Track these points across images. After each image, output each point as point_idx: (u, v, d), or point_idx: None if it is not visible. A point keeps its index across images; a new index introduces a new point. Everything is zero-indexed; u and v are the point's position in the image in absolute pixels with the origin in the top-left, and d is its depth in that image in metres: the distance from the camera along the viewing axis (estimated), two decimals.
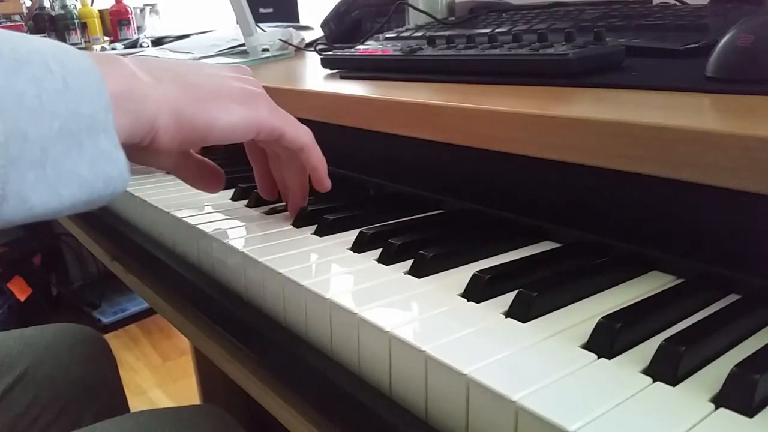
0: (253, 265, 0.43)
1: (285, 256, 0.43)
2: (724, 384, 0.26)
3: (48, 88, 0.30)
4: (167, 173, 0.68)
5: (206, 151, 0.50)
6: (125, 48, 1.57)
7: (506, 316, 0.33)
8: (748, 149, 0.30)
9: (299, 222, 0.50)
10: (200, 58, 1.08)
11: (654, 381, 0.27)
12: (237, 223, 0.51)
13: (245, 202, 0.57)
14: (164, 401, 1.82)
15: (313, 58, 0.95)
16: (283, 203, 0.53)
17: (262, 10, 1.42)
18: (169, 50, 1.23)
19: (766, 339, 0.31)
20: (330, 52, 0.73)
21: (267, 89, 0.46)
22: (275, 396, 0.40)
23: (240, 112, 0.42)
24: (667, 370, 0.27)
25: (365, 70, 0.65)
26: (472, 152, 0.44)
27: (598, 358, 0.29)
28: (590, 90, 0.46)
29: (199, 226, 0.50)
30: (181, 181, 0.51)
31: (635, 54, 0.53)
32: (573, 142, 0.37)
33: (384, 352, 0.32)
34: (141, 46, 1.50)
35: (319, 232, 0.47)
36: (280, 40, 1.01)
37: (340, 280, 0.39)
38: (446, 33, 0.68)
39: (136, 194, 0.62)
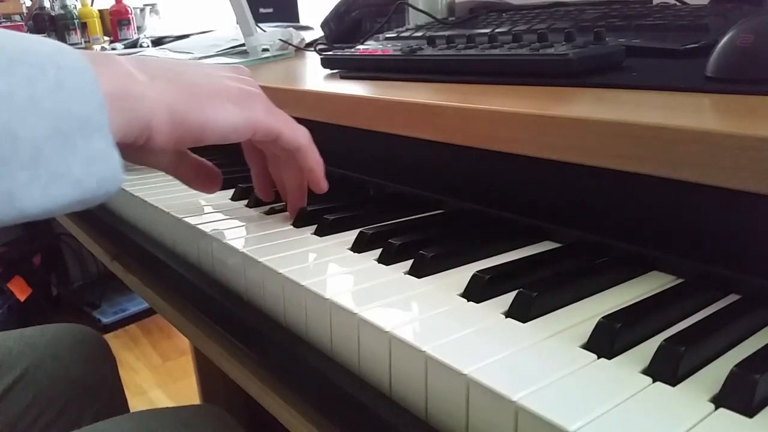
0: (253, 265, 0.43)
1: (285, 256, 0.43)
2: (724, 384, 0.26)
3: (41, 87, 0.30)
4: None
5: (205, 151, 0.50)
6: (125, 48, 1.57)
7: (506, 316, 0.33)
8: (748, 149, 0.30)
9: (299, 222, 0.50)
10: (200, 58, 1.08)
11: (654, 381, 0.27)
12: (237, 223, 0.51)
13: (245, 202, 0.57)
14: (164, 401, 1.82)
15: (313, 58, 0.95)
16: (283, 203, 0.53)
17: (262, 10, 1.42)
18: (169, 50, 1.23)
19: (766, 339, 0.31)
20: (330, 52, 0.73)
21: (267, 89, 0.46)
22: (275, 396, 0.40)
23: (236, 112, 0.41)
24: (667, 370, 0.27)
25: (365, 70, 0.65)
26: (472, 152, 0.44)
27: (598, 358, 0.29)
28: (590, 90, 0.46)
29: (199, 226, 0.50)
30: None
31: (635, 54, 0.53)
32: (573, 142, 0.37)
33: (384, 352, 0.32)
34: (141, 46, 1.50)
35: (319, 232, 0.47)
36: (280, 40, 1.01)
37: (340, 280, 0.39)
38: (446, 33, 0.68)
39: (136, 194, 0.62)
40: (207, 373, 1.29)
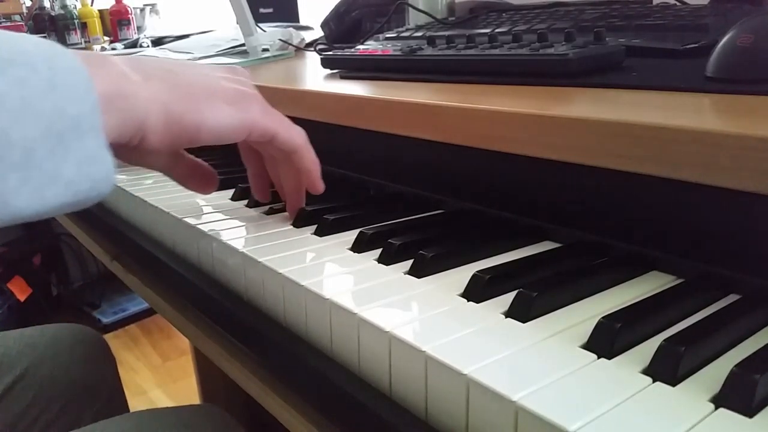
0: (253, 265, 0.43)
1: (285, 256, 0.43)
2: (724, 384, 0.26)
3: (33, 88, 0.29)
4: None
5: (204, 151, 0.50)
6: (125, 48, 1.57)
7: (506, 316, 0.33)
8: (748, 149, 0.30)
9: (299, 222, 0.50)
10: (200, 58, 1.08)
11: (654, 381, 0.27)
12: (237, 223, 0.51)
13: (245, 202, 0.57)
14: (164, 401, 1.82)
15: (313, 58, 0.95)
16: (283, 203, 0.53)
17: (262, 10, 1.42)
18: (169, 50, 1.23)
19: (766, 339, 0.31)
20: (330, 52, 0.73)
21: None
22: (275, 396, 0.40)
23: (231, 112, 0.41)
24: (667, 370, 0.27)
25: (365, 70, 0.65)
26: (472, 152, 0.44)
27: (598, 358, 0.29)
28: (590, 90, 0.46)
29: (199, 226, 0.50)
30: None
31: (635, 54, 0.53)
32: (573, 142, 0.37)
33: (384, 352, 0.32)
34: (141, 46, 1.50)
35: (319, 232, 0.47)
36: (280, 40, 1.01)
37: (340, 280, 0.39)
38: (446, 33, 0.68)
39: (136, 194, 0.62)
40: (207, 373, 1.29)
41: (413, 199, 0.54)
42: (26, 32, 2.04)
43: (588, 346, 0.30)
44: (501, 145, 0.42)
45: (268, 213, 0.54)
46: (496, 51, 0.54)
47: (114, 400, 0.80)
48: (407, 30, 0.76)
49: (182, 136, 0.39)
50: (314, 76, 0.74)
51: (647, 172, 0.34)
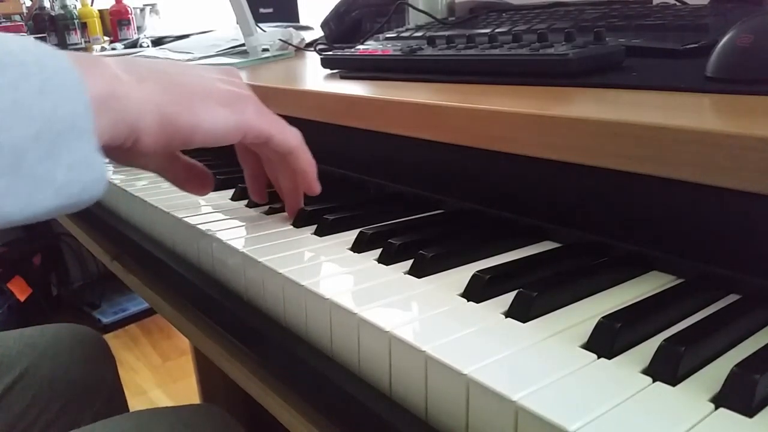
0: (253, 265, 0.43)
1: (285, 256, 0.43)
2: (724, 384, 0.26)
3: (24, 92, 0.29)
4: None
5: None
6: (125, 48, 1.57)
7: (506, 316, 0.33)
8: (748, 149, 0.30)
9: (299, 222, 0.50)
10: (200, 58, 1.08)
11: (654, 381, 0.27)
12: (237, 223, 0.51)
13: (245, 202, 0.57)
14: (164, 401, 1.82)
15: (313, 58, 0.95)
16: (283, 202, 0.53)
17: (262, 10, 1.42)
18: (169, 50, 1.23)
19: (766, 339, 0.31)
20: (330, 52, 0.73)
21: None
22: (275, 396, 0.40)
23: (225, 114, 0.41)
24: (667, 370, 0.27)
25: (365, 70, 0.65)
26: (473, 152, 0.44)
27: (598, 358, 0.29)
28: (590, 90, 0.46)
29: (199, 226, 0.50)
30: None
31: (635, 54, 0.53)
32: (573, 142, 0.37)
33: (384, 352, 0.32)
34: (141, 46, 1.50)
35: (319, 232, 0.47)
36: (280, 40, 1.01)
37: (340, 280, 0.39)
38: (446, 33, 0.68)
39: (136, 194, 0.62)
40: (207, 373, 1.29)
41: (413, 199, 0.54)
42: (26, 32, 2.04)
43: (588, 346, 0.30)
44: (501, 145, 0.42)
45: (268, 213, 0.54)
46: (496, 51, 0.54)
47: (114, 400, 0.80)
48: (407, 30, 0.76)
49: (176, 138, 0.39)
50: (314, 76, 0.74)
51: (647, 172, 0.34)
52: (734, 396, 0.25)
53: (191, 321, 0.51)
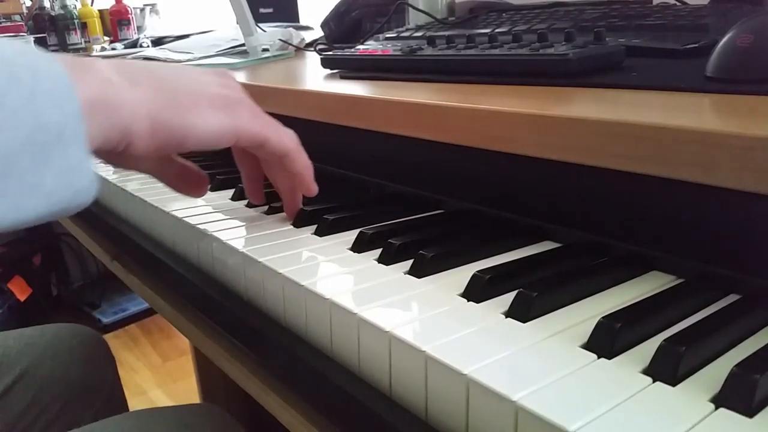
0: (253, 265, 0.43)
1: (285, 256, 0.43)
2: (724, 384, 0.26)
3: (14, 98, 0.29)
4: None
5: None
6: (125, 48, 1.57)
7: (506, 316, 0.33)
8: (748, 149, 0.30)
9: (299, 222, 0.50)
10: (200, 58, 1.08)
11: (654, 381, 0.27)
12: (237, 223, 0.51)
13: (245, 202, 0.57)
14: (164, 401, 1.82)
15: (313, 58, 0.95)
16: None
17: (262, 10, 1.42)
18: (169, 50, 1.23)
19: (766, 339, 0.31)
20: (330, 52, 0.73)
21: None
22: (275, 396, 0.40)
23: (219, 118, 0.41)
24: (667, 370, 0.27)
25: (365, 70, 0.65)
26: (473, 152, 0.44)
27: (598, 358, 0.29)
28: (590, 90, 0.46)
29: (199, 226, 0.50)
30: None
31: (635, 54, 0.53)
32: (573, 142, 0.37)
33: (384, 352, 0.32)
34: (141, 46, 1.49)
35: (319, 232, 0.47)
36: (280, 40, 1.01)
37: (340, 280, 0.39)
38: (446, 33, 0.68)
39: (136, 194, 0.62)
40: (207, 373, 1.29)
41: (413, 199, 0.54)
42: (26, 32, 2.04)
43: (588, 346, 0.30)
44: (501, 145, 0.42)
45: (268, 213, 0.54)
46: (496, 51, 0.54)
47: (114, 400, 0.80)
48: (407, 30, 0.76)
49: (169, 143, 0.38)
50: (314, 76, 0.74)
51: (647, 172, 0.34)
52: (734, 396, 0.25)
53: (191, 321, 0.51)
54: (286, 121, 0.46)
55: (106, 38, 1.97)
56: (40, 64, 0.30)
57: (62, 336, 0.78)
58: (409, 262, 0.40)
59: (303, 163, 0.46)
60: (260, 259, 0.42)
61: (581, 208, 0.42)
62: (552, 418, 0.24)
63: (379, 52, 0.65)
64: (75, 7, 1.95)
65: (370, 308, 0.34)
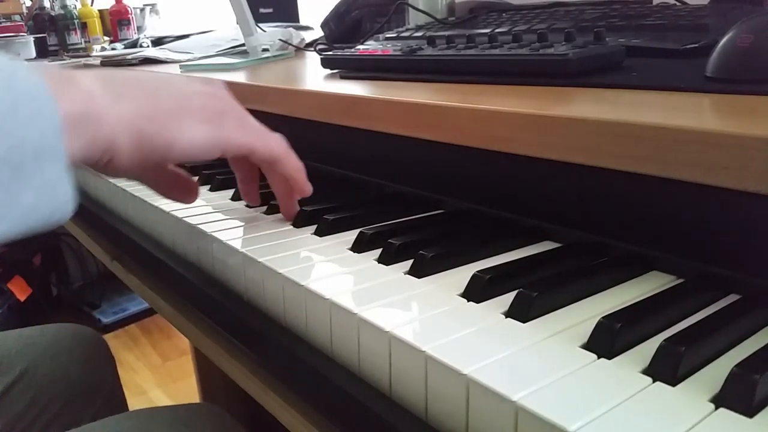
0: (253, 265, 0.43)
1: (285, 256, 0.43)
2: (724, 384, 0.26)
3: None
4: None
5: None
6: (125, 48, 1.57)
7: (506, 316, 0.33)
8: (748, 149, 0.30)
9: (299, 222, 0.50)
10: (200, 58, 1.08)
11: (654, 381, 0.27)
12: (237, 223, 0.51)
13: (245, 202, 0.57)
14: (164, 401, 1.82)
15: (313, 58, 0.95)
16: None
17: (262, 10, 1.42)
18: (169, 50, 1.23)
19: (766, 339, 0.31)
20: (330, 52, 0.73)
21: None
22: (275, 396, 0.40)
23: (204, 131, 0.40)
24: (667, 370, 0.27)
25: (365, 70, 0.65)
26: (472, 152, 0.44)
27: (598, 358, 0.29)
28: (590, 90, 0.46)
29: (199, 226, 0.50)
30: None
31: (635, 54, 0.53)
32: (573, 142, 0.37)
33: (384, 352, 0.32)
34: (141, 46, 1.49)
35: (319, 232, 0.47)
36: (280, 40, 1.01)
37: (340, 280, 0.39)
38: (446, 33, 0.68)
39: (136, 194, 0.62)
40: (207, 373, 1.29)
41: (413, 199, 0.54)
42: (26, 32, 2.04)
43: (588, 346, 0.30)
44: (501, 145, 0.42)
45: (268, 212, 0.54)
46: (496, 51, 0.54)
47: (113, 400, 0.80)
48: (407, 30, 0.76)
49: (153, 156, 0.38)
50: (314, 76, 0.74)
51: (647, 172, 0.34)
52: (734, 396, 0.25)
53: (191, 321, 0.51)
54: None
55: (106, 38, 1.97)
56: (21, 80, 0.30)
57: (62, 336, 0.78)
58: (409, 262, 0.40)
59: (293, 166, 0.46)
60: (260, 259, 0.42)
61: (581, 208, 0.42)
62: (552, 418, 0.24)
63: (379, 52, 0.65)
64: (75, 7, 1.95)
65: (370, 308, 0.34)
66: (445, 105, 0.45)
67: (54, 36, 1.94)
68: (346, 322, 0.35)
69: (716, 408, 0.25)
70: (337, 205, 0.51)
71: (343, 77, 0.66)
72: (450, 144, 0.46)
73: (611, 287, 0.37)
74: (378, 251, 0.43)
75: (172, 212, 0.54)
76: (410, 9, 0.86)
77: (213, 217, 0.53)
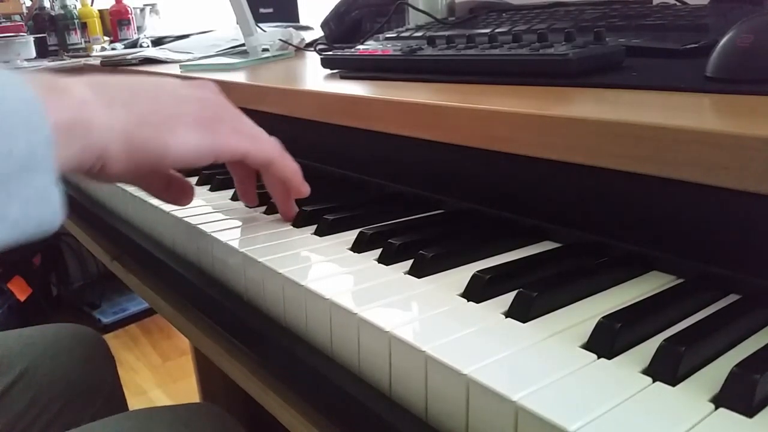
0: (253, 265, 0.43)
1: (285, 256, 0.43)
2: (724, 384, 0.26)
3: None
4: None
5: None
6: (125, 48, 1.57)
7: (506, 316, 0.33)
8: (748, 149, 0.30)
9: (299, 222, 0.50)
10: (200, 58, 1.08)
11: (654, 381, 0.27)
12: (237, 223, 0.51)
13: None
14: (164, 401, 1.82)
15: (313, 58, 0.95)
16: None
17: (262, 10, 1.42)
18: (169, 50, 1.23)
19: (766, 339, 0.31)
20: (330, 52, 0.73)
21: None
22: (275, 396, 0.40)
23: (197, 138, 0.40)
24: (667, 370, 0.27)
25: (365, 70, 0.65)
26: (472, 152, 0.44)
27: (598, 358, 0.29)
28: (590, 90, 0.46)
29: (199, 226, 0.50)
30: None
31: (635, 54, 0.53)
32: (573, 142, 0.37)
33: (384, 352, 0.32)
34: (141, 46, 1.49)
35: (319, 232, 0.47)
36: (280, 40, 1.01)
37: (340, 280, 0.39)
38: (446, 33, 0.68)
39: (136, 194, 0.62)
40: (207, 373, 1.29)
41: (413, 199, 0.54)
42: (26, 32, 2.04)
43: (588, 346, 0.30)
44: (501, 145, 0.42)
45: (267, 212, 0.54)
46: (496, 51, 0.54)
47: (113, 400, 0.80)
48: (407, 30, 0.76)
49: (146, 163, 0.38)
50: (314, 76, 0.74)
51: (647, 172, 0.34)
52: (734, 396, 0.25)
53: (191, 321, 0.51)
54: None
55: (106, 38, 1.97)
56: (9, 90, 0.30)
57: (62, 336, 0.78)
58: (409, 262, 0.40)
59: (289, 168, 0.46)
60: (260, 259, 0.42)
61: (581, 208, 0.42)
62: (552, 418, 0.24)
63: (379, 52, 0.65)
64: (75, 7, 1.95)
65: (370, 308, 0.34)
66: (445, 105, 0.45)
67: (54, 36, 1.95)
68: (346, 322, 0.35)
69: (716, 408, 0.25)
70: (337, 205, 0.51)
71: (343, 77, 0.66)
72: (450, 144, 0.46)
73: (611, 287, 0.37)
74: (378, 251, 0.43)
75: (172, 212, 0.54)
76: (410, 9, 0.86)
77: (213, 217, 0.53)
